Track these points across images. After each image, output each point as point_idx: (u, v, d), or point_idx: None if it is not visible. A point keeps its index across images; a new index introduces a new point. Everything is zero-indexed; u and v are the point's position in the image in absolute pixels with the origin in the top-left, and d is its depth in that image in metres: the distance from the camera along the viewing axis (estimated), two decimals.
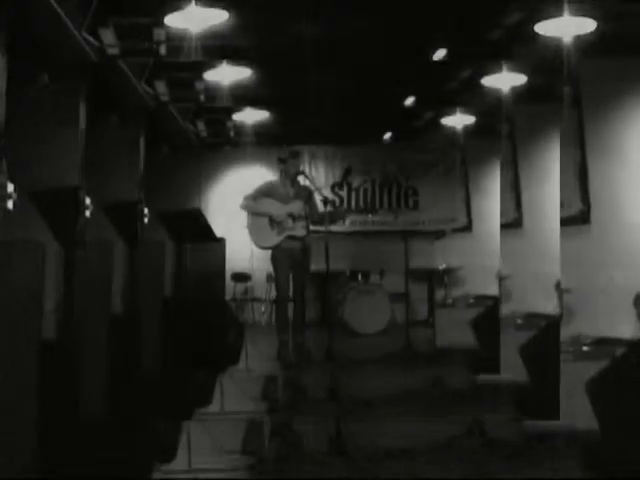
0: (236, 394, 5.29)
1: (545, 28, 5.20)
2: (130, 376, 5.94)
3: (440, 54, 6.05)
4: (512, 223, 6.89)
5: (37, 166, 5.31)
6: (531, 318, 6.32)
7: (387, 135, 10.59)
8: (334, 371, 5.54)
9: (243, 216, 6.87)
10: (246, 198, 6.80)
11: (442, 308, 9.34)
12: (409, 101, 8.11)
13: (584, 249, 5.08)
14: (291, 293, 6.90)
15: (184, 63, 5.80)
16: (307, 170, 9.93)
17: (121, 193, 7.35)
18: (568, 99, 5.40)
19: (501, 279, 7.04)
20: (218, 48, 5.87)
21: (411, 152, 10.55)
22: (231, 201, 7.70)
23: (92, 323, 5.46)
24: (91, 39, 5.38)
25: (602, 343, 4.91)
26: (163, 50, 5.73)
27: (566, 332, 5.01)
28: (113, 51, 5.67)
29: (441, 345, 8.01)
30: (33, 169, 5.25)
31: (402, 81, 7.39)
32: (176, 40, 5.68)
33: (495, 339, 6.66)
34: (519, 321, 6.63)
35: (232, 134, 10.01)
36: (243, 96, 7.82)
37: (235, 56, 6.10)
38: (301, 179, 6.99)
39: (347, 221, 10.21)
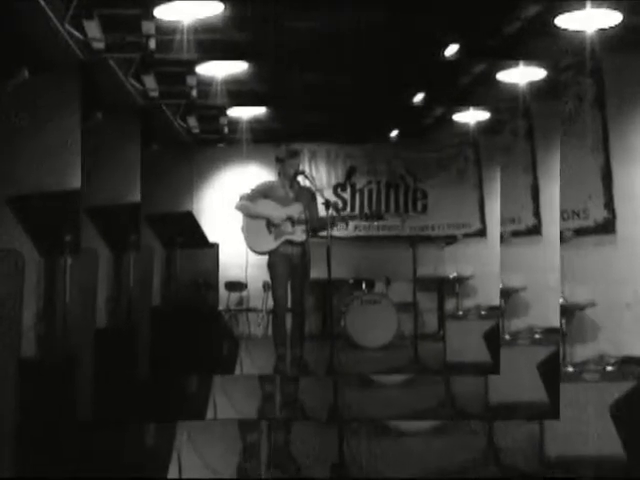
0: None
1: (566, 21, 5.21)
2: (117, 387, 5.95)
3: (452, 48, 6.07)
4: (528, 230, 6.91)
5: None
6: (549, 334, 6.33)
7: (394, 132, 10.58)
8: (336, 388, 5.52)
9: (238, 219, 6.86)
10: (242, 199, 6.80)
11: (453, 320, 9.33)
12: (418, 97, 8.11)
13: (608, 261, 5.09)
14: (289, 303, 6.89)
15: (175, 60, 5.80)
16: (307, 170, 9.95)
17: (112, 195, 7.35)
18: (590, 97, 5.41)
19: (508, 291, 7.10)
20: (212, 42, 5.87)
21: (420, 151, 10.54)
22: (225, 203, 7.69)
23: (77, 336, 5.47)
24: (75, 32, 5.39)
25: (627, 362, 4.92)
26: (152, 44, 5.72)
27: (589, 351, 5.03)
28: (98, 45, 5.68)
29: (452, 360, 8.00)
30: None
31: (411, 75, 7.38)
32: (166, 33, 5.68)
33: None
34: (537, 336, 6.66)
35: (226, 131, 10.00)
36: (238, 91, 7.81)
37: (230, 50, 6.10)
38: (301, 179, 6.99)
39: (350, 225, 10.22)
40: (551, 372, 5.79)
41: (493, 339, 7.39)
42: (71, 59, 5.54)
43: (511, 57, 6.08)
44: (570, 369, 5.62)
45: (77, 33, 5.51)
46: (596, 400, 4.90)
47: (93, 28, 5.61)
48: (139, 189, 7.58)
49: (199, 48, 5.72)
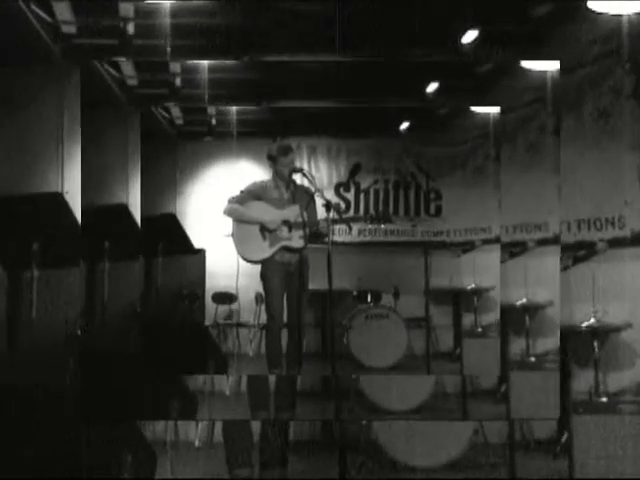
0: None
1: (600, 5, 5.22)
2: None
3: (471, 35, 6.08)
4: (556, 238, 6.90)
5: None
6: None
7: (404, 125, 10.57)
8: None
9: (227, 223, 6.86)
10: (231, 201, 6.82)
11: (471, 337, 9.32)
12: (432, 86, 8.11)
13: None
14: (285, 317, 6.89)
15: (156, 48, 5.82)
16: (306, 168, 9.94)
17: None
18: (627, 89, 5.41)
19: (533, 307, 7.10)
20: (196, 27, 5.88)
21: (434, 145, 10.54)
22: (213, 204, 7.69)
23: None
24: (42, 14, 5.40)
25: None
26: (131, 29, 5.72)
27: (626, 379, 5.04)
28: (69, 29, 5.70)
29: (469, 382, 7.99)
30: None
31: (424, 61, 7.38)
32: (146, 17, 5.69)
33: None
34: None
35: (214, 122, 9.98)
36: (227, 79, 7.81)
37: (217, 36, 6.11)
38: (299, 179, 6.97)
39: (354, 230, 10.21)
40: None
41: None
42: (38, 45, 5.55)
43: (537, 44, 6.07)
44: (604, 399, 5.62)
45: (45, 15, 5.51)
46: (635, 434, 4.91)
47: (63, 9, 5.62)
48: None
49: (182, 34, 5.73)
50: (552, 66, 6.60)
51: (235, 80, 7.89)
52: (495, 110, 8.89)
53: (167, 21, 5.67)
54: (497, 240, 10.14)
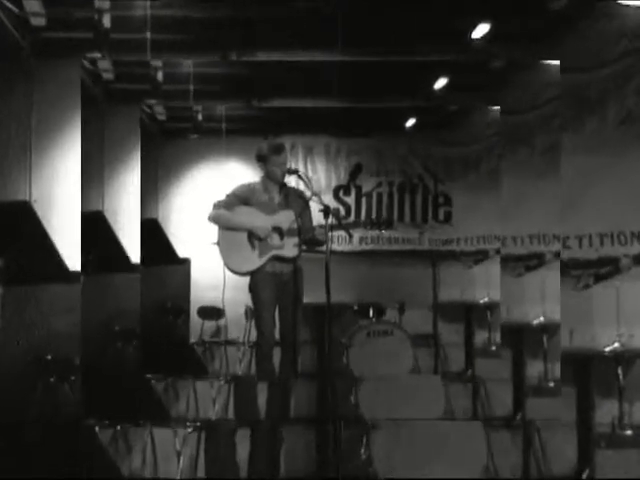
0: None
1: None
2: None
3: (483, 28, 6.10)
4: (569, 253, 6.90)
5: None
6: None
7: (410, 122, 10.57)
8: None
9: (213, 230, 6.85)
10: (217, 206, 6.78)
11: (484, 357, 9.32)
12: (441, 82, 8.12)
13: None
14: (277, 334, 6.89)
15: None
16: (302, 169, 9.95)
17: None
18: None
19: (550, 327, 7.09)
20: (175, 20, 5.88)
21: (442, 145, 10.55)
22: (198, 208, 7.68)
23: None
24: (9, 5, 5.40)
25: None
26: (107, 22, 5.72)
27: None
28: (39, 21, 5.70)
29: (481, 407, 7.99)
30: None
31: (432, 54, 7.39)
32: (124, 8, 5.69)
33: None
34: None
35: (200, 118, 10.00)
36: (213, 73, 7.82)
37: (196, 29, 6.11)
38: (293, 181, 6.96)
39: (355, 237, 10.22)
40: None
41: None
42: (4, 39, 5.55)
43: (554, 40, 6.08)
44: (629, 432, 5.61)
45: (12, 6, 5.51)
46: None
47: (32, 0, 5.62)
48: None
49: (161, 28, 5.72)
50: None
51: (222, 75, 7.89)
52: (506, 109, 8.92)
53: (147, 13, 5.64)
54: (514, 257, 10.13)
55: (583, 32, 5.84)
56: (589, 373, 6.24)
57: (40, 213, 6.27)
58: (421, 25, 6.33)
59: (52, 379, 5.88)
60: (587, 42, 6.01)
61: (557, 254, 7.40)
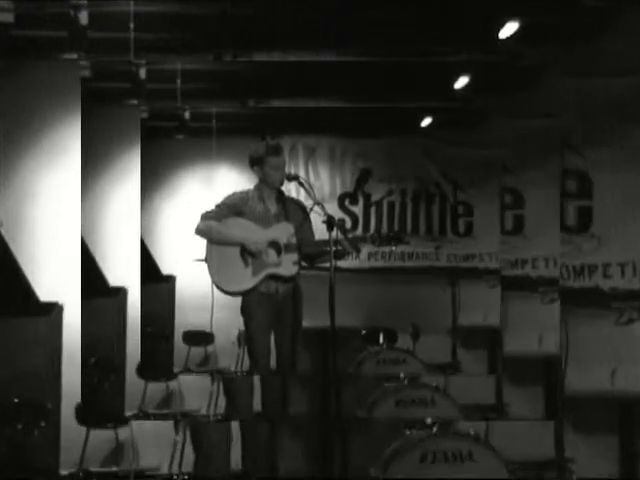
0: None
1: None
2: None
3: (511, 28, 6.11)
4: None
5: None
6: None
7: (425, 121, 10.57)
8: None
9: (201, 244, 6.84)
10: (205, 217, 6.76)
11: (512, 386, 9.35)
12: (462, 81, 8.12)
13: None
14: (274, 362, 6.89)
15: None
16: (302, 174, 9.94)
17: None
18: None
19: None
20: (167, 17, 5.88)
21: (462, 148, 10.55)
22: (184, 221, 7.69)
23: None
24: None
25: None
26: (83, 18, 5.71)
27: None
28: (6, 17, 5.70)
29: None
30: None
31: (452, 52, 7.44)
32: (103, 4, 5.67)
33: None
34: None
35: (187, 116, 10.01)
36: (203, 68, 7.84)
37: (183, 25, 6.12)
38: (292, 188, 6.96)
39: (363, 253, 10.20)
40: None
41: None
42: None
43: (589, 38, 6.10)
44: None
45: None
46: None
47: None
48: None
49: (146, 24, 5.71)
50: None
51: (213, 72, 7.89)
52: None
53: (130, 9, 5.63)
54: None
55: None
56: (634, 419, 6.25)
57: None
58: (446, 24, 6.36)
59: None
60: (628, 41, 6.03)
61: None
